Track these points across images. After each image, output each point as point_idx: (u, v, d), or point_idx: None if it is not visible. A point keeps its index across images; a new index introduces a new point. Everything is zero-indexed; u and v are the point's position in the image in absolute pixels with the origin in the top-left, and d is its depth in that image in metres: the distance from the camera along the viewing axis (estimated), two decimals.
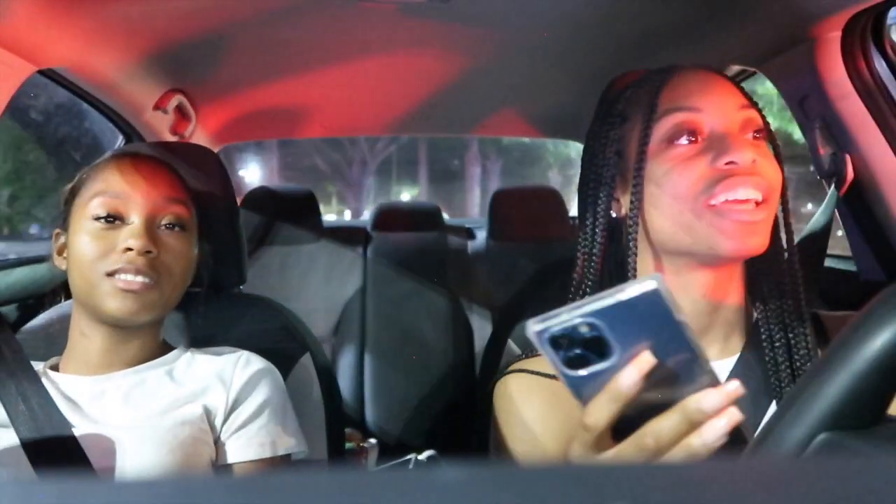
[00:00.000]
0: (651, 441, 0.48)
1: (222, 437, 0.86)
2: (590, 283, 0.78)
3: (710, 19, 1.22)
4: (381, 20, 1.30)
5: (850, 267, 1.22)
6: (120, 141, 1.76)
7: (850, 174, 1.10)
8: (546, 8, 1.24)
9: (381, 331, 2.07)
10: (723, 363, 0.75)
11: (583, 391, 0.49)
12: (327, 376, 1.07)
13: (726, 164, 0.68)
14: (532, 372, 0.78)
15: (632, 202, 0.73)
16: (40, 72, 1.23)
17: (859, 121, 1.09)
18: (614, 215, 0.78)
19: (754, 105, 0.74)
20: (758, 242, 0.69)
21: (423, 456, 1.74)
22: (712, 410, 0.46)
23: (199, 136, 2.00)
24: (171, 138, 1.82)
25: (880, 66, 1.10)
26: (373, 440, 1.66)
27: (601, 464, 0.50)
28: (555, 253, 2.25)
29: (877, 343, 0.38)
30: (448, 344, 2.06)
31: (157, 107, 1.66)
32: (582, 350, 0.47)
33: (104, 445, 0.80)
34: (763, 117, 0.74)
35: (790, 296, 0.75)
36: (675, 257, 0.74)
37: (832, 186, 1.12)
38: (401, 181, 16.57)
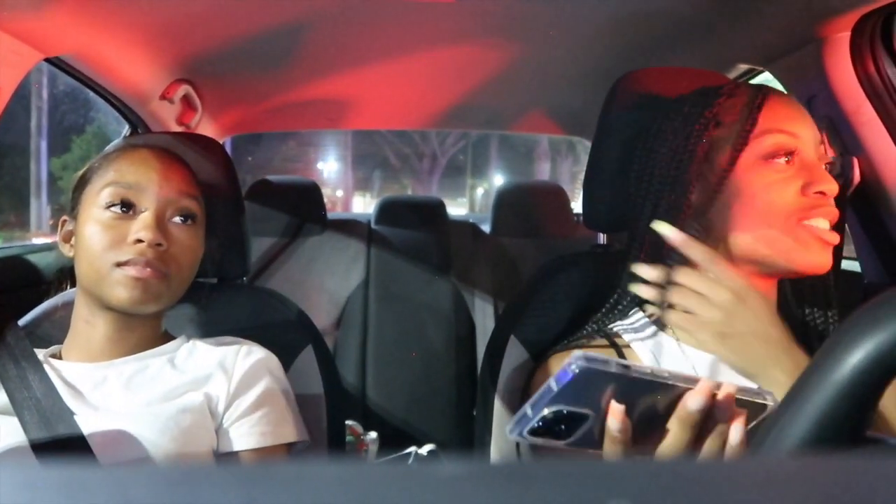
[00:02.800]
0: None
1: (224, 425, 0.87)
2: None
3: (719, 18, 1.22)
4: (393, 16, 1.30)
5: (854, 268, 1.21)
6: (126, 130, 1.76)
7: (857, 176, 1.10)
8: (561, 10, 1.24)
9: (383, 324, 2.07)
10: None
11: (590, 444, 0.54)
12: (329, 369, 1.07)
13: (816, 192, 0.76)
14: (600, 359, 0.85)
15: (718, 206, 0.80)
16: (47, 60, 1.23)
17: (867, 122, 1.09)
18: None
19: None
20: (829, 262, 0.77)
21: (423, 450, 1.75)
22: (701, 407, 0.51)
23: (205, 126, 2.00)
24: (177, 128, 1.82)
25: (889, 67, 1.09)
26: (373, 433, 1.67)
27: (602, 462, 0.50)
28: (559, 249, 2.25)
29: (847, 366, 0.38)
30: (450, 339, 2.06)
31: (163, 96, 1.66)
32: (564, 425, 0.53)
33: (106, 432, 0.80)
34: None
35: (824, 304, 0.84)
36: (742, 264, 0.79)
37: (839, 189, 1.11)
38: (475, 176, 16.76)
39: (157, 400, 0.85)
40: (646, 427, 0.54)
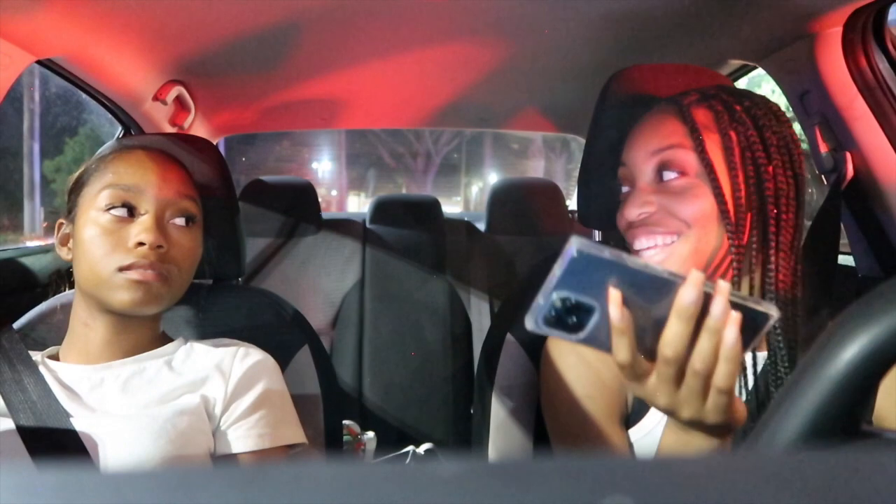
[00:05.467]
0: (669, 350, 0.56)
1: (221, 428, 0.86)
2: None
3: (712, 15, 1.22)
4: (386, 14, 1.30)
5: (848, 263, 1.22)
6: (118, 132, 1.75)
7: (850, 171, 1.10)
8: (554, 8, 1.24)
9: (379, 323, 2.07)
10: None
11: (601, 344, 0.57)
12: (326, 369, 1.07)
13: None
14: None
15: None
16: (39, 62, 1.23)
17: (860, 117, 1.09)
18: None
19: None
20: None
21: (420, 449, 1.75)
22: (694, 299, 0.54)
23: (198, 127, 2.00)
24: (170, 129, 1.82)
25: (881, 62, 1.10)
26: (370, 433, 1.67)
27: (599, 458, 0.50)
28: (554, 247, 2.25)
29: (842, 360, 0.38)
30: (446, 337, 2.06)
31: (156, 98, 1.65)
32: (575, 317, 0.56)
33: (102, 434, 0.80)
34: None
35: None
36: None
37: (832, 184, 1.12)
38: (470, 174, 16.80)
39: (153, 402, 0.84)
40: (651, 326, 0.57)
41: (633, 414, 0.84)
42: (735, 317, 0.54)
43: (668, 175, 0.80)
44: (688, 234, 0.78)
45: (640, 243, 0.80)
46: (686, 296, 0.54)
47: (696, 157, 0.78)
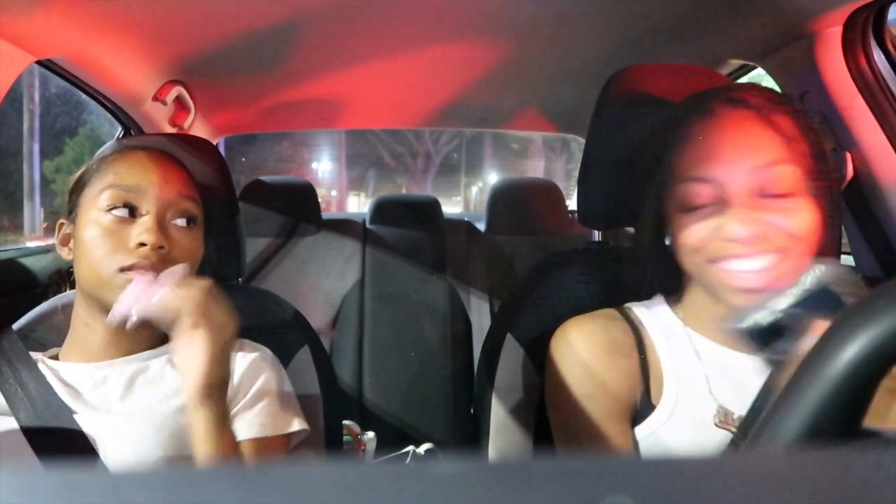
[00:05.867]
0: None
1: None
2: None
3: (711, 14, 1.22)
4: (386, 14, 1.30)
5: (848, 262, 1.22)
6: (119, 132, 1.75)
7: (850, 171, 1.10)
8: (554, 8, 1.24)
9: (379, 324, 2.07)
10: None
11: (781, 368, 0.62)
12: (326, 369, 1.07)
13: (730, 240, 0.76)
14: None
15: None
16: (39, 62, 1.23)
17: (859, 117, 1.09)
18: None
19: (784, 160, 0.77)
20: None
21: (421, 449, 1.75)
22: None
23: (198, 127, 2.00)
24: (170, 129, 1.82)
25: (881, 61, 1.10)
26: (370, 433, 1.67)
27: (599, 458, 0.50)
28: (554, 246, 2.25)
29: (842, 359, 0.38)
30: (446, 337, 2.06)
31: (156, 98, 1.65)
32: (774, 336, 0.60)
33: (105, 431, 0.80)
34: None
35: None
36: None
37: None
38: (470, 175, 16.81)
39: (157, 400, 0.85)
40: None
41: (637, 413, 0.84)
42: None
43: (775, 191, 0.75)
44: (795, 250, 0.75)
45: (742, 264, 0.75)
46: None
47: (799, 171, 0.76)
